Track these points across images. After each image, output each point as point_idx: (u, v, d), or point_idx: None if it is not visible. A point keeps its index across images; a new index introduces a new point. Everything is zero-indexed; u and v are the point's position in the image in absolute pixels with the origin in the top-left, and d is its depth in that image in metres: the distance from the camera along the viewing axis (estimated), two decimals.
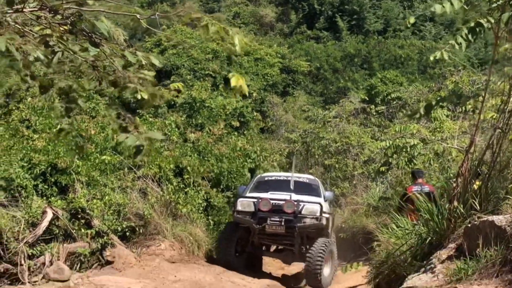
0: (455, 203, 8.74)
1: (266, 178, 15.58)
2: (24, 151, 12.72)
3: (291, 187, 14.05)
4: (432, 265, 8.48)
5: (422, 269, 8.63)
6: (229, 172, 16.26)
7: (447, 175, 12.45)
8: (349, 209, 18.40)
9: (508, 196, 8.54)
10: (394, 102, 24.47)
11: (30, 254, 11.20)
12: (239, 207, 13.74)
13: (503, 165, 9.25)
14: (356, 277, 13.44)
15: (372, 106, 24.44)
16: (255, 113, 22.42)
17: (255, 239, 13.78)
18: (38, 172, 12.42)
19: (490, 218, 8.03)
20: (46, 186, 12.49)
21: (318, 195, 14.67)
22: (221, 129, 18.15)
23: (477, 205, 8.82)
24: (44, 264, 11.18)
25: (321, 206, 13.57)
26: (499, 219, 7.93)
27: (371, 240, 12.56)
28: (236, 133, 19.19)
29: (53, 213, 11.83)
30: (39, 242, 11.50)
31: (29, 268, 11.01)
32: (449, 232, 8.86)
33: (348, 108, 24.20)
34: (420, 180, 12.32)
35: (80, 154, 12.31)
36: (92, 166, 13.30)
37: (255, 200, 13.70)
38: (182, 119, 18.16)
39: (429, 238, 9.22)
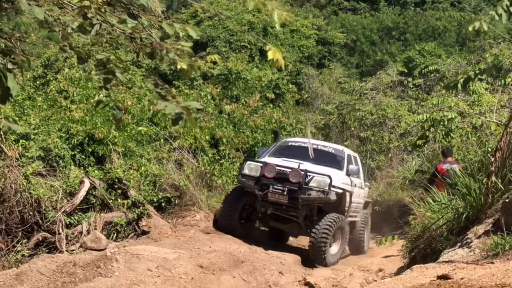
0: (493, 178, 8.63)
1: (289, 143, 14.82)
2: (62, 122, 12.88)
3: (310, 155, 13.46)
4: (469, 240, 8.42)
5: (458, 244, 8.58)
6: (263, 144, 16.28)
7: (485, 149, 12.26)
8: (385, 182, 18.31)
9: None
10: (432, 75, 24.12)
11: (67, 223, 11.40)
12: (245, 170, 13.12)
13: None
14: (391, 250, 13.40)
15: (410, 79, 24.14)
16: (290, 85, 22.32)
17: (258, 206, 13.11)
18: (75, 142, 12.58)
19: None
20: (84, 156, 12.66)
21: (340, 168, 13.86)
22: (257, 101, 18.11)
23: None
24: (81, 233, 11.37)
25: (331, 179, 12.65)
26: None
27: (406, 214, 12.50)
28: (271, 105, 19.17)
29: (90, 183, 12.00)
30: (76, 211, 11.69)
31: (66, 237, 11.21)
32: (486, 207, 8.77)
33: (385, 81, 23.93)
34: (449, 159, 13.62)
35: (118, 126, 12.44)
36: (129, 137, 13.43)
37: (261, 164, 13.05)
38: (218, 90, 18.16)
39: (466, 212, 9.14)
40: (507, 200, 8.20)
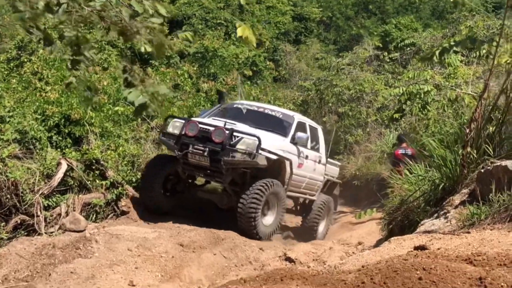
0: (468, 149, 8.72)
1: (234, 105, 13.72)
2: (37, 103, 12.76)
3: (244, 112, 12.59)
4: (445, 211, 8.52)
5: (435, 215, 8.68)
6: None
7: (461, 121, 12.36)
8: (363, 157, 18.39)
9: None
10: (408, 48, 24.18)
11: (46, 205, 11.35)
12: (169, 128, 11.91)
13: None
14: (369, 223, 13.53)
15: (386, 53, 24.19)
16: (268, 62, 22.31)
17: (179, 170, 11.92)
18: (51, 124, 12.48)
19: (503, 163, 8.02)
20: (60, 138, 12.57)
21: (284, 134, 12.64)
22: (234, 79, 18.08)
23: (490, 150, 8.81)
24: (60, 215, 11.33)
25: (260, 141, 11.26)
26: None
27: (385, 187, 12.60)
28: (249, 82, 19.15)
29: (67, 164, 11.94)
30: (54, 193, 11.64)
31: (45, 219, 11.17)
32: (462, 177, 8.87)
33: (361, 55, 23.96)
34: (404, 145, 14.97)
35: (88, 107, 12.34)
36: (105, 117, 13.35)
37: (184, 121, 11.88)
38: (195, 69, 18.10)
39: (442, 184, 9.24)
40: (482, 171, 8.29)
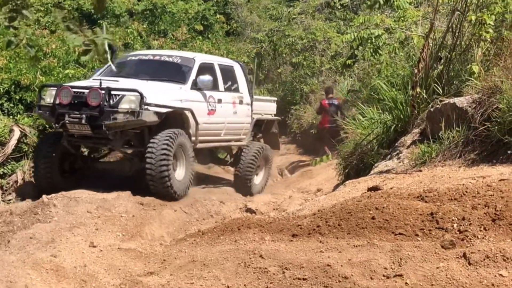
0: (418, 89, 8.85)
1: (128, 58, 12.40)
2: None
3: (113, 68, 11.10)
4: (398, 151, 8.68)
5: (388, 156, 8.84)
6: None
7: (412, 63, 12.49)
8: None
9: (470, 78, 8.63)
10: None
11: (1, 173, 11.22)
12: (45, 99, 10.62)
13: (464, 47, 9.31)
14: (328, 170, 13.67)
15: (336, 0, 24.12)
16: (218, 16, 22.08)
17: (65, 143, 10.64)
18: (1, 91, 12.29)
19: (452, 100, 8.17)
20: (11, 105, 12.38)
21: (182, 81, 11.31)
22: (185, 34, 17.91)
23: (439, 89, 8.94)
24: (16, 182, 11.22)
25: (142, 96, 10.06)
26: (460, 101, 8.08)
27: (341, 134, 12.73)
28: (200, 37, 18.99)
29: (20, 131, 11.79)
30: (9, 161, 11.50)
31: (1, 187, 11.05)
32: (413, 118, 9.02)
33: (312, 4, 23.84)
34: (330, 95, 16.29)
35: (34, 65, 12.10)
36: (56, 81, 13.13)
37: (56, 88, 10.52)
38: (144, 26, 17.85)
39: (394, 125, 9.39)
40: (431, 109, 8.43)
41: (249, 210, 10.88)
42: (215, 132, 12.04)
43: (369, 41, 15.39)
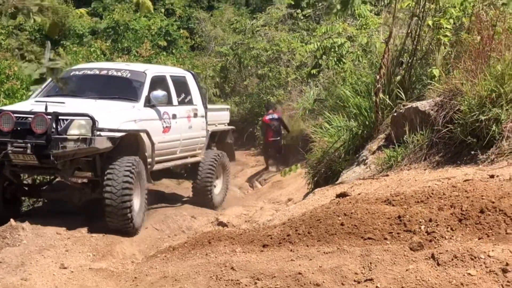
0: (381, 95, 8.95)
1: (71, 73, 10.91)
2: None
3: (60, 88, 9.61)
4: (364, 157, 8.76)
5: (355, 162, 8.91)
6: None
7: (375, 70, 12.63)
8: (286, 116, 18.52)
9: (431, 81, 8.76)
10: (320, 4, 24.34)
11: None
12: None
13: (424, 52, 9.45)
14: (298, 180, 13.71)
15: (299, 11, 24.26)
16: (181, 31, 22.12)
17: (7, 174, 9.58)
18: None
19: (414, 104, 8.28)
20: None
21: (135, 98, 10.36)
22: (149, 50, 17.91)
23: (402, 94, 9.05)
24: None
25: (94, 121, 9.03)
26: (422, 105, 8.19)
27: (309, 143, 12.79)
28: (164, 53, 19.00)
29: None
30: None
31: None
32: (378, 124, 9.12)
33: (275, 15, 23.99)
34: (271, 111, 17.00)
35: None
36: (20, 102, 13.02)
37: None
38: (108, 44, 17.80)
39: (360, 131, 9.47)
40: (395, 114, 8.53)
41: (221, 224, 10.84)
42: (171, 151, 11.22)
43: (332, 50, 15.65)
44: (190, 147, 11.80)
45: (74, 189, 9.97)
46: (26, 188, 10.59)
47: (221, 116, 13.47)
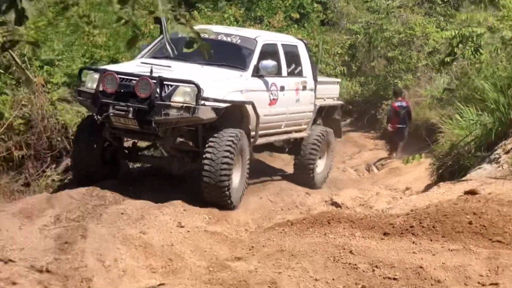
0: None
1: (179, 35, 10.33)
2: (85, 47, 12.83)
3: (170, 52, 8.63)
4: (497, 156, 8.37)
5: (487, 160, 8.54)
6: None
7: None
8: (412, 102, 18.05)
9: None
10: None
11: None
12: (87, 84, 9.22)
13: None
14: (418, 169, 13.35)
15: None
16: (315, 5, 21.86)
17: (107, 136, 9.39)
18: None
19: None
20: None
21: (243, 67, 9.84)
22: (281, 22, 17.83)
23: None
24: None
25: (199, 89, 8.59)
26: None
27: (434, 133, 12.41)
28: (296, 25, 18.86)
29: None
30: None
31: None
32: None
33: None
34: (400, 98, 16.61)
35: (128, 47, 12.02)
36: None
37: (99, 73, 9.05)
38: (241, 12, 17.87)
39: (495, 128, 9.04)
40: None
41: (334, 204, 10.76)
42: (276, 125, 10.69)
43: (470, 39, 14.97)
44: (295, 121, 11.23)
45: (174, 157, 9.76)
46: (126, 151, 10.18)
47: (330, 90, 12.68)
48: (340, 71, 18.53)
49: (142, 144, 10.74)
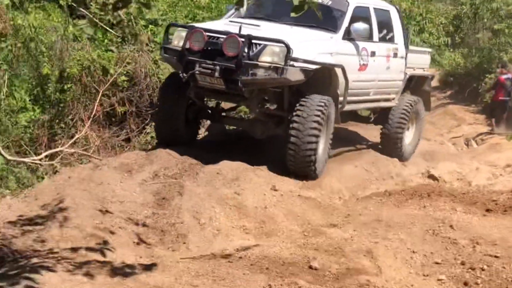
0: None
1: None
2: (188, 8, 12.97)
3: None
4: None
5: None
6: None
7: None
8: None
9: None
10: None
11: None
12: (173, 41, 8.98)
13: None
14: None
15: None
16: None
17: (191, 95, 9.11)
18: None
19: None
20: None
21: (333, 29, 9.28)
22: None
23: None
24: None
25: (288, 48, 8.17)
26: None
27: None
28: None
29: None
30: None
31: None
32: None
33: None
34: (505, 71, 16.29)
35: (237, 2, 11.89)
36: None
37: (187, 30, 8.77)
38: None
39: None
40: None
41: (431, 177, 10.56)
42: (364, 92, 10.16)
43: None
44: (385, 89, 10.69)
45: (258, 121, 9.35)
46: (209, 112, 9.90)
47: (421, 59, 11.99)
48: (444, 41, 17.95)
49: (226, 105, 10.52)
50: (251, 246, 5.82)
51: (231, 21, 9.09)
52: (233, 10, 9.89)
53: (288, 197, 7.86)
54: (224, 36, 8.38)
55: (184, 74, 8.47)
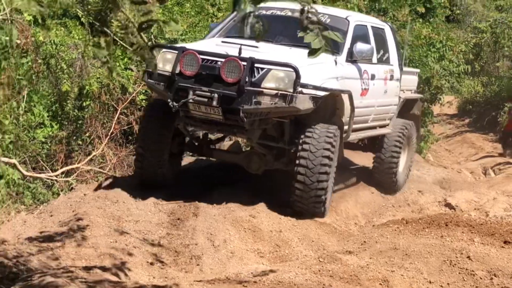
0: None
1: (259, 11, 7.52)
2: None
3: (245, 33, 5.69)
4: None
5: None
6: (411, 60, 15.68)
7: None
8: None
9: None
10: None
11: None
12: (158, 64, 7.35)
13: None
14: None
15: None
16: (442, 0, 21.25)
17: (180, 126, 8.12)
18: None
19: None
20: None
21: (335, 50, 7.98)
22: (405, 15, 17.40)
23: None
24: None
25: (298, 73, 7.16)
26: None
27: None
28: (421, 20, 18.36)
29: None
30: None
31: None
32: None
33: None
34: None
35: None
36: None
37: (177, 52, 7.54)
38: (365, 3, 17.55)
39: None
40: None
41: (448, 205, 10.43)
42: (364, 119, 9.19)
43: None
44: (381, 115, 9.79)
45: (254, 154, 8.32)
46: (196, 144, 8.76)
47: (409, 81, 10.94)
48: (464, 69, 17.84)
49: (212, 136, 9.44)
50: (266, 271, 5.77)
51: (224, 42, 8.07)
52: (216, 29, 8.94)
53: (303, 222, 7.80)
54: (222, 59, 7.33)
55: (175, 103, 7.33)
